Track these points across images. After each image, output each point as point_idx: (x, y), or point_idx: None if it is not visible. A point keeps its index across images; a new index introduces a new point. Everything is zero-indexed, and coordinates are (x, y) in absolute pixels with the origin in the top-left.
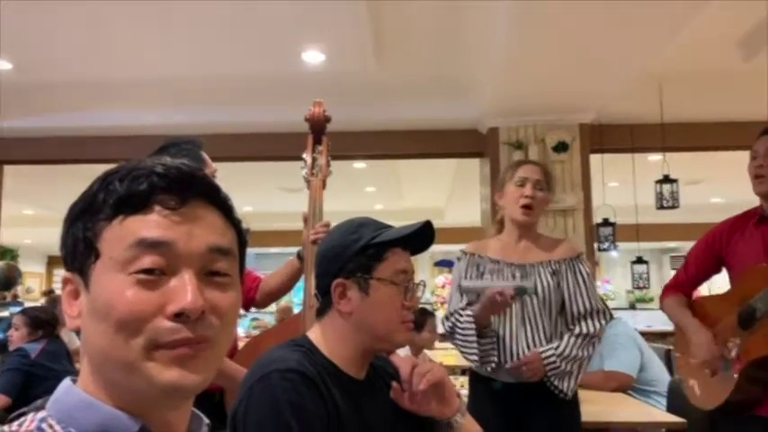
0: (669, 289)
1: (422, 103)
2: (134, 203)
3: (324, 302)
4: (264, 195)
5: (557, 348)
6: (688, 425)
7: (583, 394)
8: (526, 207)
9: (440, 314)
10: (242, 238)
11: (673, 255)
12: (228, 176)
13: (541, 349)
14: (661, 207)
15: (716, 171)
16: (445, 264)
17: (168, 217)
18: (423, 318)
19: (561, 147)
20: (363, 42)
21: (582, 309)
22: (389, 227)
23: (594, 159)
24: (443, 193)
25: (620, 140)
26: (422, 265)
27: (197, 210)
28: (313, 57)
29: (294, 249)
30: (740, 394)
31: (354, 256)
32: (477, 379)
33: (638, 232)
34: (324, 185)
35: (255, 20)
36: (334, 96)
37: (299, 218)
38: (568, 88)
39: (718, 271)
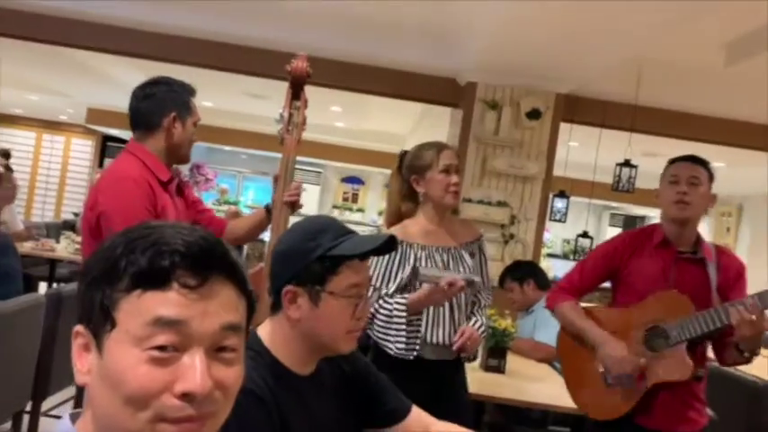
0: (562, 293)
1: (404, 43)
2: (154, 279)
3: (275, 301)
4: (228, 96)
5: (481, 321)
6: None
7: (511, 364)
8: (455, 193)
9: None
10: (251, 306)
11: (613, 212)
12: (197, 74)
13: (472, 324)
14: (617, 189)
15: (673, 149)
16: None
17: (186, 296)
18: None
19: (534, 114)
20: None
21: (484, 284)
22: (350, 233)
23: (563, 127)
24: (410, 121)
25: (592, 115)
26: (374, 185)
27: (214, 286)
28: None
29: (248, 151)
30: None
31: (309, 265)
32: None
33: (590, 209)
34: (297, 144)
35: None
36: (317, 23)
37: (258, 121)
38: (552, 57)
39: (606, 281)
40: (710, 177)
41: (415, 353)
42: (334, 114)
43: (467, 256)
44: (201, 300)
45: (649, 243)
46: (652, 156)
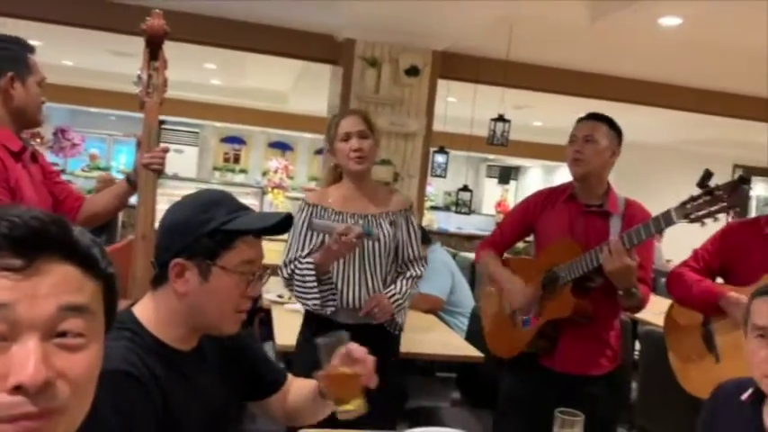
0: (485, 246)
1: None
2: None
3: (160, 275)
4: (90, 54)
5: (397, 289)
6: (485, 359)
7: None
8: (358, 158)
9: (269, 198)
10: (111, 287)
11: (489, 164)
12: (53, 32)
13: (386, 291)
14: (492, 143)
15: (541, 101)
16: (280, 146)
17: (9, 277)
18: None
19: (413, 71)
20: None
21: (412, 255)
22: (245, 209)
23: (440, 83)
24: (289, 78)
25: (467, 71)
26: (256, 145)
27: (44, 266)
28: None
29: (118, 112)
30: (533, 347)
31: (201, 238)
32: (310, 319)
33: (468, 162)
34: (160, 106)
35: None
36: None
37: (126, 80)
38: (427, 12)
39: (528, 236)
40: (612, 131)
41: (332, 309)
42: (208, 72)
43: (385, 225)
44: (27, 280)
45: (560, 198)
46: (525, 108)
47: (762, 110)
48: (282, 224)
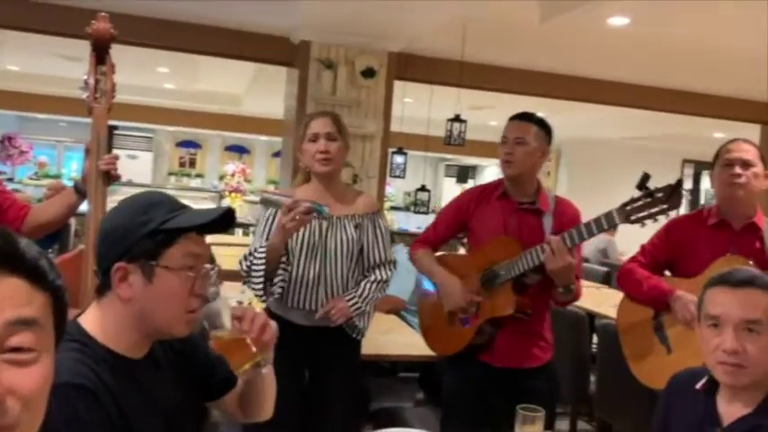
0: (420, 244)
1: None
2: None
3: (103, 283)
4: (37, 58)
5: (358, 293)
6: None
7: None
8: (323, 160)
9: (227, 202)
10: (60, 298)
11: (447, 164)
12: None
13: (345, 294)
14: (449, 143)
15: (497, 101)
16: (237, 149)
17: None
18: None
19: (369, 72)
20: None
21: (378, 259)
22: (184, 208)
23: (396, 86)
24: (244, 80)
25: (423, 72)
26: (212, 148)
27: None
28: None
29: (68, 118)
30: (473, 344)
31: (141, 239)
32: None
33: (426, 162)
34: (109, 112)
35: None
36: None
37: (73, 84)
38: (382, 13)
39: (461, 232)
40: (542, 132)
41: (274, 296)
42: (161, 76)
43: (350, 227)
44: None
45: (493, 195)
46: (482, 108)
47: (706, 106)
48: (224, 219)
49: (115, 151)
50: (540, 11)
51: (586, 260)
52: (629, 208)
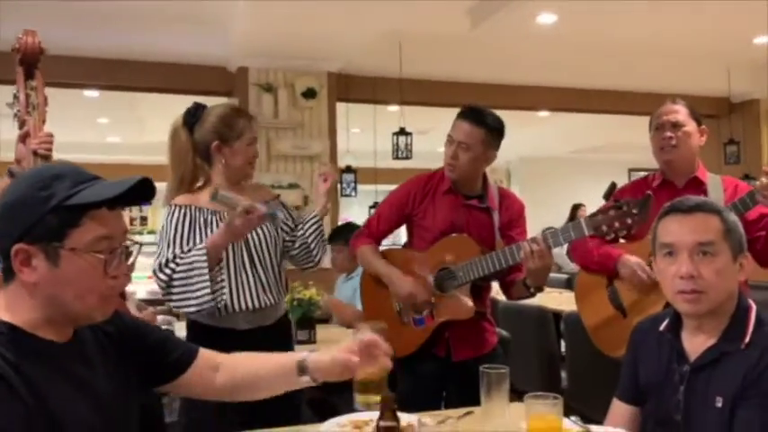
0: (362, 237)
1: (167, 33)
2: None
3: (6, 266)
4: None
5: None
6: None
7: (322, 333)
8: (253, 165)
9: None
10: None
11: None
12: None
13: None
14: (397, 157)
15: (442, 122)
16: None
17: None
18: None
19: (310, 93)
20: None
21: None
22: (94, 179)
23: (340, 107)
24: None
25: (364, 92)
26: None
27: None
28: None
29: None
30: (426, 343)
31: (43, 218)
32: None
33: (377, 176)
34: (43, 126)
35: None
36: (65, 16)
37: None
38: (317, 34)
39: (402, 225)
40: (491, 136)
41: (222, 303)
42: (102, 128)
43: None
44: None
45: (439, 189)
46: (425, 133)
47: (643, 104)
48: (139, 189)
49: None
50: (469, 16)
51: None
52: (599, 218)
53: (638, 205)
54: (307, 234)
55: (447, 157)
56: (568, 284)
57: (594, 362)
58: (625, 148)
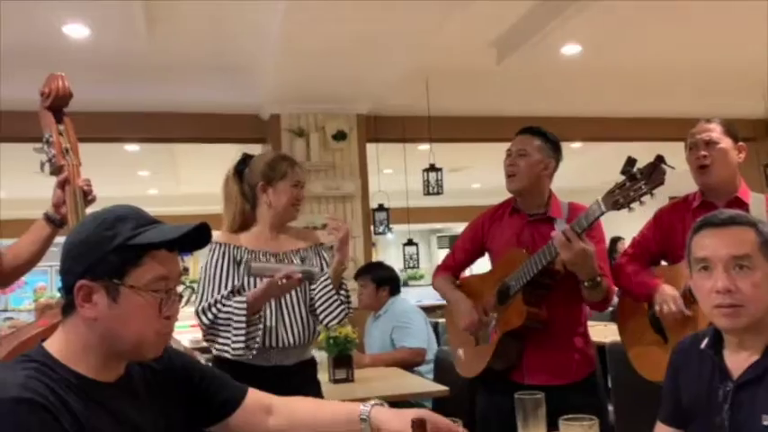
0: (440, 271)
1: (200, 84)
2: None
3: (68, 302)
4: (19, 179)
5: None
6: (451, 392)
7: (360, 372)
8: (298, 207)
9: None
10: None
11: (439, 235)
12: None
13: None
14: (428, 193)
15: (475, 160)
16: None
17: None
18: None
19: (340, 135)
20: (132, 16)
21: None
22: (156, 223)
23: (370, 148)
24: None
25: (393, 131)
26: (203, 252)
27: None
28: (75, 30)
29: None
30: (496, 362)
31: (106, 256)
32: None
33: (409, 215)
34: (79, 168)
35: None
36: (103, 74)
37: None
38: (345, 78)
39: (482, 255)
40: (546, 144)
41: (254, 352)
42: (143, 181)
43: (296, 261)
44: None
45: (506, 212)
46: (458, 171)
47: (679, 130)
48: (197, 234)
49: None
50: (495, 51)
51: None
52: (616, 193)
53: (650, 170)
54: (315, 296)
55: (506, 168)
56: (613, 318)
57: (641, 393)
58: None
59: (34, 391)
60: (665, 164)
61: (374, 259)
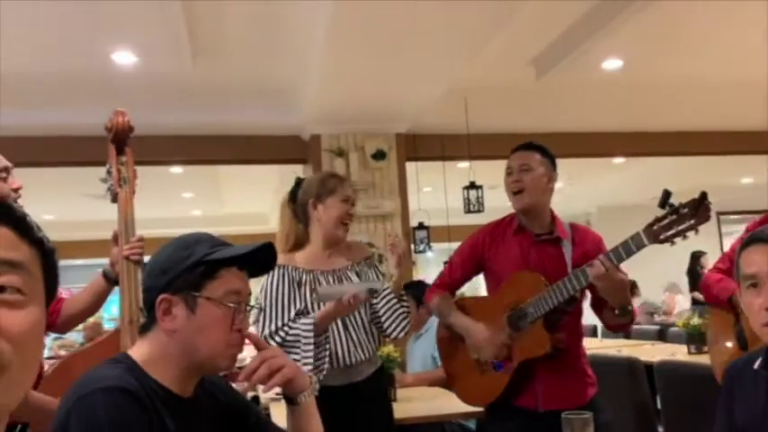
0: (435, 288)
1: (242, 107)
2: None
3: (149, 318)
4: (67, 202)
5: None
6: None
7: (401, 392)
8: (347, 225)
9: None
10: (48, 259)
11: None
12: (27, 183)
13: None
14: (468, 211)
15: None
16: None
17: None
18: None
19: (380, 155)
20: (178, 43)
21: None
22: (227, 244)
23: (410, 167)
24: (267, 197)
25: (432, 149)
26: None
27: None
28: (124, 57)
29: (102, 261)
30: (513, 390)
31: (184, 272)
32: None
33: (450, 233)
34: (133, 197)
35: (58, 17)
36: (149, 99)
37: (105, 226)
38: (385, 98)
39: (479, 273)
40: (546, 159)
41: (323, 373)
42: (187, 202)
43: (353, 276)
44: None
45: (509, 231)
46: (496, 188)
47: (725, 143)
48: (264, 257)
49: (138, 234)
50: (534, 67)
51: (637, 323)
52: (655, 227)
53: (695, 207)
54: (379, 310)
55: (510, 184)
56: (660, 336)
57: (692, 413)
58: (710, 190)
59: (131, 384)
60: (708, 201)
61: (414, 278)
